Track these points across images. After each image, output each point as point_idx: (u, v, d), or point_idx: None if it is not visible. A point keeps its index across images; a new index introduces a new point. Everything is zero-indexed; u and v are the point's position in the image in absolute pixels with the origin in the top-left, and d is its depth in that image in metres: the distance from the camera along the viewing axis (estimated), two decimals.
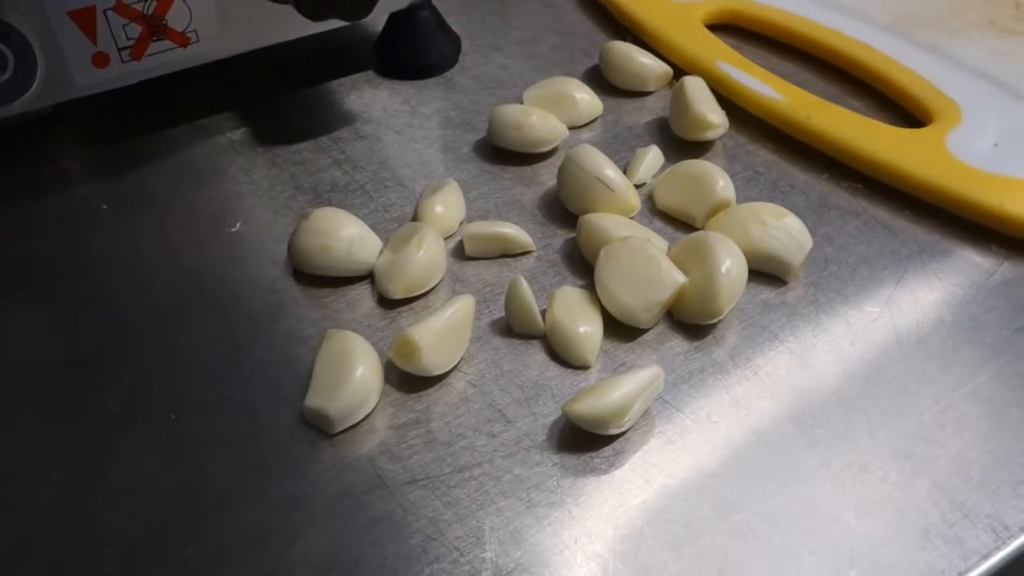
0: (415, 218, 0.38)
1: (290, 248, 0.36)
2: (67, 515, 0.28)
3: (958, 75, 0.44)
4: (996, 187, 0.37)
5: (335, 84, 0.47)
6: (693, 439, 0.30)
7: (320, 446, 0.30)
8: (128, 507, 0.28)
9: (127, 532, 0.28)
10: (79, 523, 0.28)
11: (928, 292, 0.35)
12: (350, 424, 0.30)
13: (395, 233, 0.36)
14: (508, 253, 0.37)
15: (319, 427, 0.30)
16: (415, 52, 0.47)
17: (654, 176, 0.40)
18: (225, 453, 0.30)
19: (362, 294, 0.35)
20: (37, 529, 0.28)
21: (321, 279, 0.36)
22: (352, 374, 0.30)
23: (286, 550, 0.27)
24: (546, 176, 0.40)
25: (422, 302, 0.35)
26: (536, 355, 0.33)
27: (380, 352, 0.32)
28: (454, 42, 0.48)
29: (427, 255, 0.35)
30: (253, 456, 0.30)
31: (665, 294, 0.32)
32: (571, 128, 0.43)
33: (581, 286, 0.35)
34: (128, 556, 0.27)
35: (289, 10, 0.40)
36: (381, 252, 0.36)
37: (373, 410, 0.31)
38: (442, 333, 0.31)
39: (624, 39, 0.47)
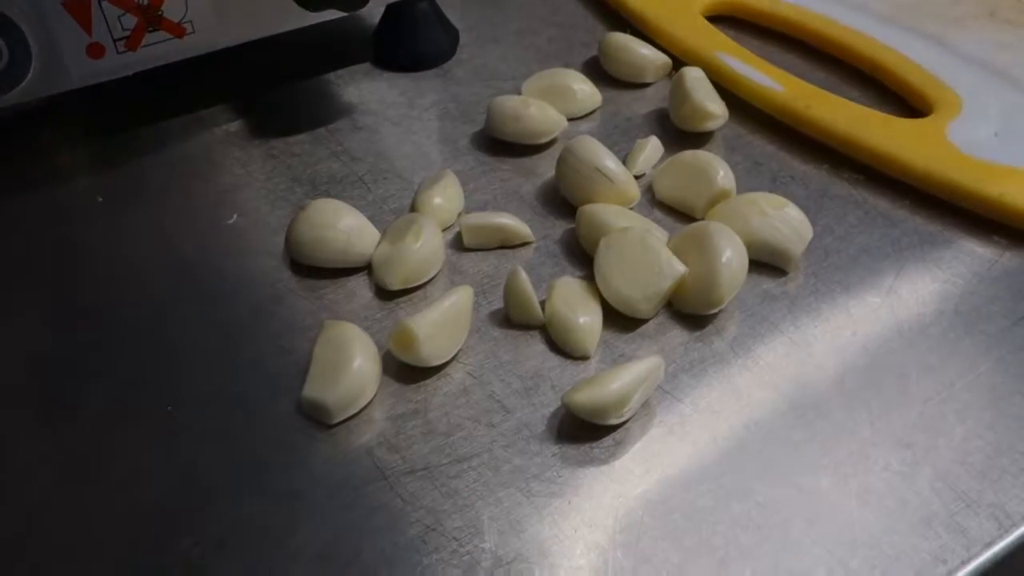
0: (413, 210, 0.38)
1: (287, 239, 0.36)
2: (64, 507, 0.28)
3: (959, 65, 0.44)
4: (997, 177, 0.37)
5: (332, 76, 0.46)
6: (694, 429, 0.30)
7: (318, 437, 0.30)
8: (126, 499, 0.28)
9: (125, 524, 0.28)
10: (76, 515, 0.28)
11: (929, 282, 0.35)
12: (348, 415, 0.30)
13: (393, 224, 0.36)
14: (507, 244, 0.36)
15: (317, 418, 0.30)
16: (412, 44, 0.47)
17: (654, 167, 0.40)
18: (223, 445, 0.30)
19: (360, 285, 0.35)
20: (34, 521, 0.28)
21: (319, 270, 0.35)
22: (350, 364, 0.30)
23: (285, 541, 0.27)
24: (545, 167, 0.40)
25: (420, 293, 0.35)
26: (535, 346, 0.32)
27: (378, 343, 0.32)
28: (452, 34, 0.48)
29: (425, 246, 0.34)
30: (251, 448, 0.30)
31: (665, 284, 0.32)
32: (570, 119, 0.42)
33: (580, 277, 0.35)
34: (127, 548, 0.27)
35: (286, 1, 0.39)
36: (379, 243, 0.35)
37: (371, 401, 0.31)
38: (440, 323, 0.31)
39: (623, 30, 0.47)
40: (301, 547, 0.27)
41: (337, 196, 0.38)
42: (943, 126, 0.40)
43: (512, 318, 0.33)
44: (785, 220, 0.35)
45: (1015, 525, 0.27)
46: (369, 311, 0.34)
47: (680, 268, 0.32)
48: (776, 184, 0.39)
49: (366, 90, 0.45)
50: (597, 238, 0.34)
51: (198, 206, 0.39)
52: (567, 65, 0.46)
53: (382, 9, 0.46)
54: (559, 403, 0.30)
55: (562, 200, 0.38)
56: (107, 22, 0.37)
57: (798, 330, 0.33)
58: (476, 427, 0.30)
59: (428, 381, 0.31)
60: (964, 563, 0.26)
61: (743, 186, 0.38)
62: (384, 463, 0.29)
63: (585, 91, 0.43)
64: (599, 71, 0.46)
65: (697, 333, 0.33)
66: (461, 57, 0.48)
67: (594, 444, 0.29)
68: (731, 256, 0.32)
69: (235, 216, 0.38)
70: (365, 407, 0.30)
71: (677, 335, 0.33)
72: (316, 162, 0.41)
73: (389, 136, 0.42)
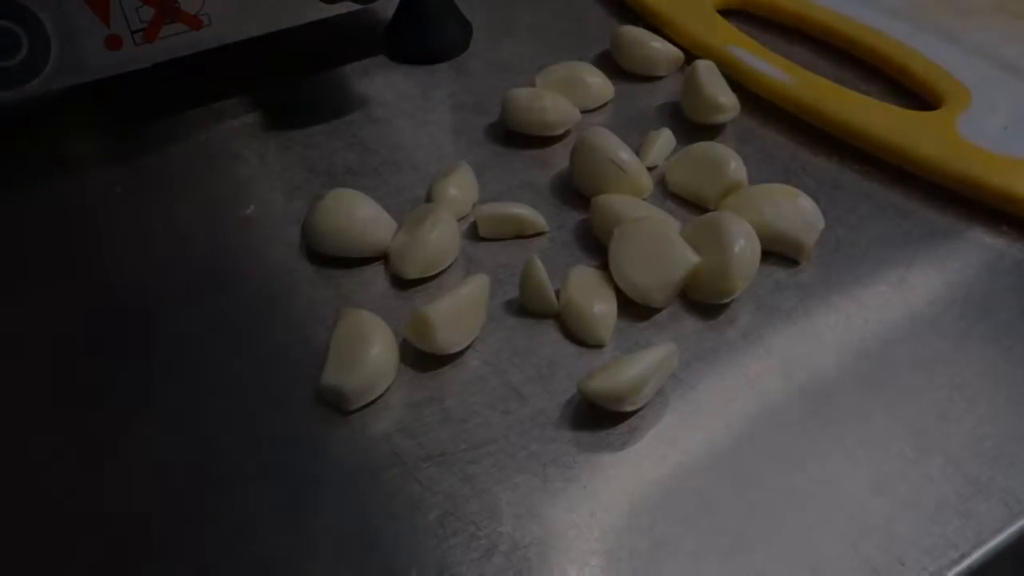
0: (429, 200, 0.38)
1: (305, 229, 0.36)
2: (84, 495, 0.28)
3: (968, 59, 0.44)
4: (1007, 169, 0.37)
5: (347, 69, 0.47)
6: (707, 416, 0.30)
7: (337, 424, 0.30)
8: (147, 486, 0.29)
9: (146, 511, 0.28)
10: (97, 503, 0.28)
11: (939, 273, 0.35)
12: (366, 402, 0.30)
13: (409, 214, 0.36)
14: (521, 234, 0.37)
15: (335, 405, 0.30)
16: (425, 37, 0.47)
17: (666, 159, 0.40)
18: (242, 432, 0.30)
19: (376, 275, 0.35)
20: (54, 510, 0.28)
21: (335, 260, 0.36)
22: (368, 352, 0.30)
23: (304, 527, 0.27)
24: (558, 159, 0.41)
25: (436, 282, 0.35)
26: (550, 334, 0.33)
27: (395, 331, 0.32)
28: (465, 27, 0.48)
29: (441, 236, 0.35)
30: (270, 435, 0.30)
31: (679, 273, 0.33)
32: (583, 112, 0.43)
33: (595, 266, 0.35)
34: (147, 535, 0.27)
35: None
36: (395, 233, 0.36)
37: (389, 388, 0.31)
38: (457, 312, 0.32)
39: (635, 24, 0.47)
40: (320, 533, 0.27)
41: (353, 187, 0.38)
42: (953, 119, 0.40)
43: (527, 307, 0.34)
44: (797, 210, 0.35)
45: None
46: (386, 300, 0.34)
47: (693, 258, 0.33)
48: (788, 176, 0.39)
49: (381, 83, 0.46)
50: (611, 228, 0.34)
51: (216, 197, 0.39)
52: (580, 58, 0.46)
53: (396, 2, 0.47)
54: (574, 390, 0.31)
55: (576, 191, 0.38)
56: (125, 14, 0.38)
57: (810, 319, 0.33)
58: (492, 414, 0.30)
59: (445, 369, 0.32)
60: (975, 548, 0.26)
61: (755, 178, 0.38)
62: (402, 449, 0.29)
63: (598, 84, 0.43)
64: (612, 64, 0.46)
65: (710, 322, 0.33)
66: (474, 50, 0.48)
67: (609, 430, 0.30)
68: (744, 246, 0.33)
69: (252, 207, 0.39)
70: (383, 394, 0.31)
71: (690, 324, 0.33)
72: (332, 153, 0.41)
73: (404, 128, 0.43)
